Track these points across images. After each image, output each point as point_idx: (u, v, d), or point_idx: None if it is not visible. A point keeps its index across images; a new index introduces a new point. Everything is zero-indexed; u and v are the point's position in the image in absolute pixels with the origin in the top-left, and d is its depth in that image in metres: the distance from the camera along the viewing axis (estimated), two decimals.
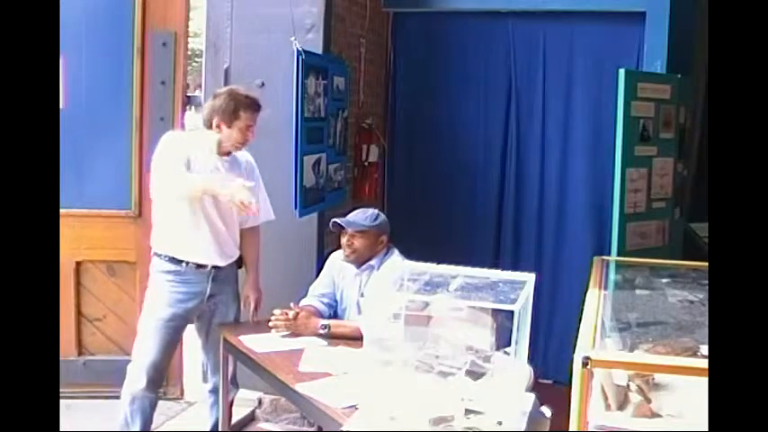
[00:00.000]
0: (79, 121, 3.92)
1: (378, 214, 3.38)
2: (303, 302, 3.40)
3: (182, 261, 3.27)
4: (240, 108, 3.22)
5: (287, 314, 3.20)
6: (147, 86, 4.03)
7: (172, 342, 3.35)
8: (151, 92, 4.04)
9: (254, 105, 3.27)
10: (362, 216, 3.35)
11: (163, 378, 3.51)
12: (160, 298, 3.29)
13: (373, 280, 3.29)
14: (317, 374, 2.75)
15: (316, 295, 3.46)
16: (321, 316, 3.34)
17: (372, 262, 3.35)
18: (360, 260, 3.35)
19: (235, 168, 3.31)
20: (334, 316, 3.43)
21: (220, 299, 3.39)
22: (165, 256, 3.29)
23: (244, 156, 3.41)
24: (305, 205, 3.66)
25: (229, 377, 3.47)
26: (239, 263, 3.49)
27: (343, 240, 3.35)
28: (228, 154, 3.30)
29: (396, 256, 3.32)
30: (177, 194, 3.19)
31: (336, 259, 3.47)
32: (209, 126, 3.24)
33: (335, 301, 3.47)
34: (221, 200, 3.15)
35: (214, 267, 3.32)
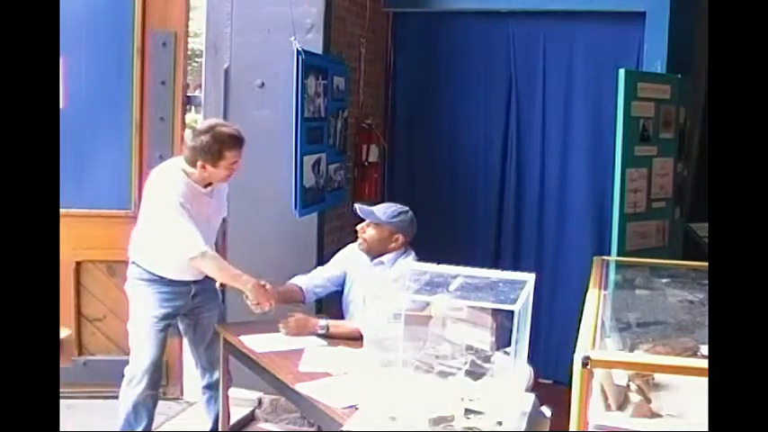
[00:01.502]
0: (79, 121, 3.92)
1: (399, 212, 3.32)
2: (291, 281, 3.42)
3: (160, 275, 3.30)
4: (225, 149, 3.16)
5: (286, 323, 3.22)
6: (147, 86, 4.03)
7: (165, 340, 3.38)
8: (151, 92, 4.04)
9: (238, 143, 3.20)
10: (383, 210, 3.33)
11: (161, 375, 3.53)
12: (148, 300, 3.30)
13: (382, 278, 3.26)
14: (316, 374, 2.75)
15: (314, 276, 3.45)
16: (303, 297, 3.37)
17: (384, 259, 3.32)
18: (369, 251, 3.33)
19: (214, 193, 3.32)
20: (338, 309, 3.42)
21: (207, 296, 3.43)
22: (142, 267, 3.30)
23: None
24: (305, 205, 3.65)
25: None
26: None
27: (359, 227, 3.35)
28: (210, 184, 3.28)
29: (410, 259, 3.28)
30: (190, 258, 3.17)
31: (351, 251, 3.46)
32: (193, 165, 3.17)
33: (341, 291, 3.45)
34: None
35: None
